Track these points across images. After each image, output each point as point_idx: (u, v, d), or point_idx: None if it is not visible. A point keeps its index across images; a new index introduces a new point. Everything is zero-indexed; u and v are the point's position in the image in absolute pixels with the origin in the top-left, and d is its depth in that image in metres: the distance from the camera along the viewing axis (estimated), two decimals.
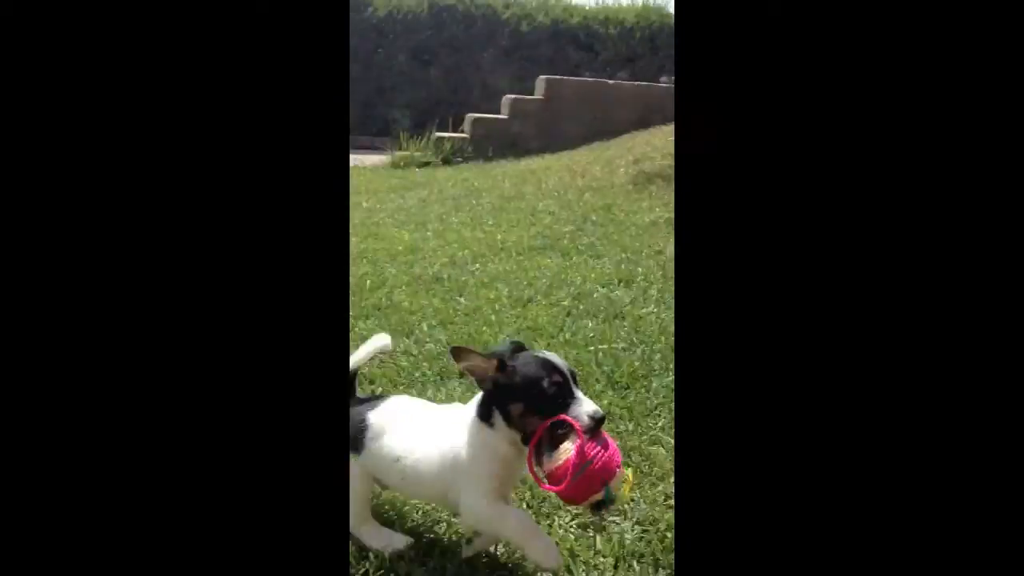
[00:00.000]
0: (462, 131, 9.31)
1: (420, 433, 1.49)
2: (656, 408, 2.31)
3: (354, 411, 1.57)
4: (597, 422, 1.29)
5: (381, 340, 1.65)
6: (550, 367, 1.34)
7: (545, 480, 1.32)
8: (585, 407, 1.30)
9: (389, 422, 1.54)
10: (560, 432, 1.29)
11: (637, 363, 2.64)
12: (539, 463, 1.31)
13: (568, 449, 1.25)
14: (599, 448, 1.25)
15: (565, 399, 1.31)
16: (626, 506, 1.70)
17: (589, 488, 1.24)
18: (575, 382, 1.35)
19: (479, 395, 1.43)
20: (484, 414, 1.39)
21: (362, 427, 1.55)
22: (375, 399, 1.66)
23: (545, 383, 1.32)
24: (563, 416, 1.29)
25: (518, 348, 1.46)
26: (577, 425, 1.27)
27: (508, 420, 1.36)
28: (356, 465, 1.54)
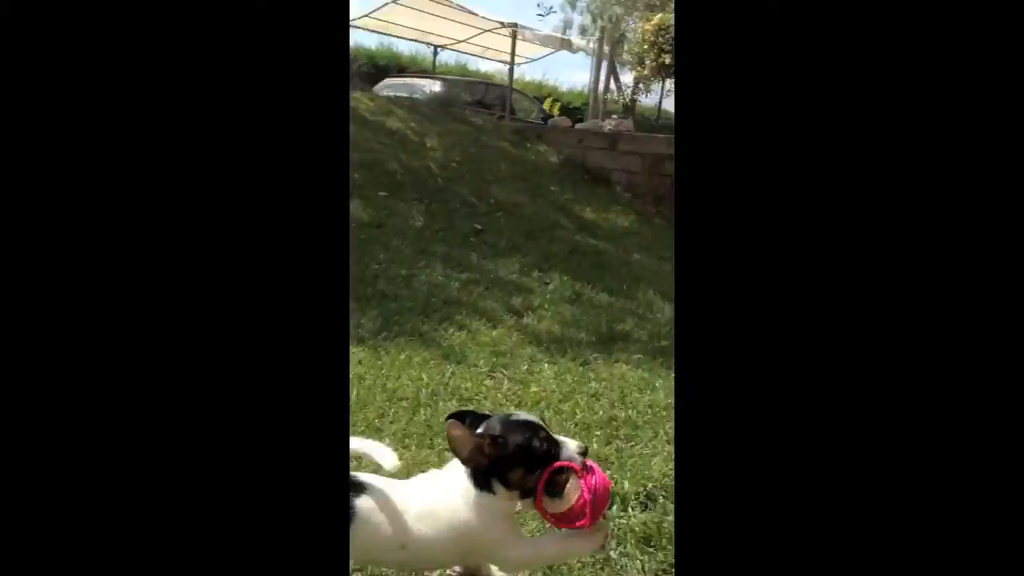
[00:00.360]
0: None
1: (418, 514, 1.40)
2: None
3: None
4: (584, 454, 1.41)
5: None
6: (534, 427, 1.40)
7: (561, 521, 1.39)
8: (571, 447, 1.40)
9: (374, 507, 1.39)
10: (559, 477, 1.37)
11: None
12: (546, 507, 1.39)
13: (574, 488, 1.35)
14: (593, 478, 1.36)
15: (552, 449, 1.39)
16: None
17: (602, 511, 1.38)
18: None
19: (455, 465, 1.42)
20: (483, 484, 1.39)
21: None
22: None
23: (536, 444, 1.38)
24: (560, 464, 1.37)
25: (474, 416, 1.46)
26: (576, 467, 1.37)
27: (507, 485, 1.39)
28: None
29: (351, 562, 1.45)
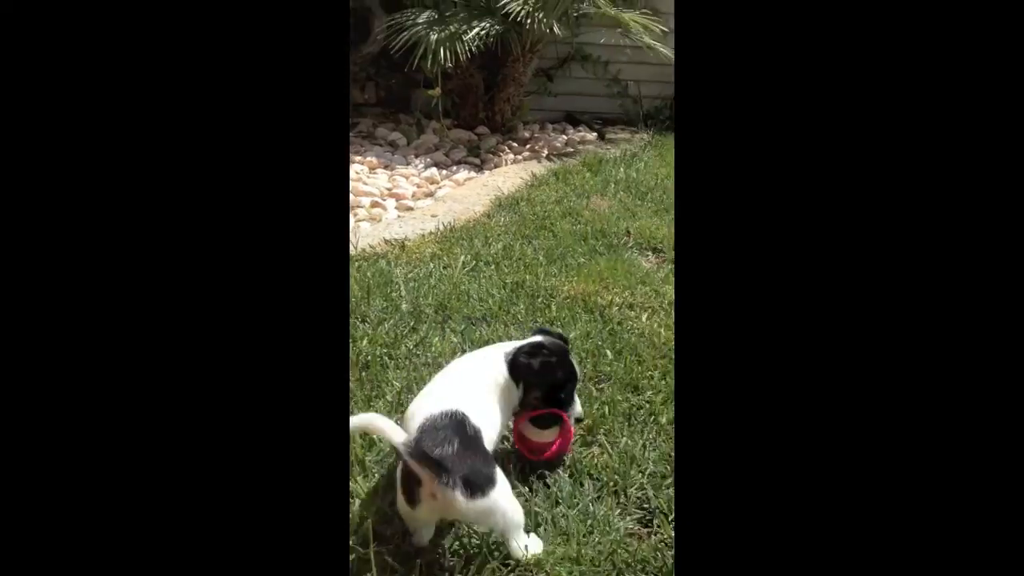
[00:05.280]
0: None
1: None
2: None
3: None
4: (579, 420, 1.75)
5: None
6: (573, 378, 1.78)
7: (525, 445, 1.76)
8: (577, 408, 1.77)
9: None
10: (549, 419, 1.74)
11: None
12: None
13: (554, 434, 1.75)
14: (563, 438, 1.76)
15: (568, 401, 1.77)
16: None
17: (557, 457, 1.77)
18: None
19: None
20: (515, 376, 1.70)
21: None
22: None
23: (563, 392, 1.77)
24: (559, 413, 1.74)
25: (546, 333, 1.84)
26: (567, 421, 1.75)
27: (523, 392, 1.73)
28: None
29: None
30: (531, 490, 1.69)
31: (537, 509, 1.63)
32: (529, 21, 4.69)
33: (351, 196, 4.16)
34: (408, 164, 4.83)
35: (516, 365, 1.66)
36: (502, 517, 1.41)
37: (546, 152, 5.24)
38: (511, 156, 5.19)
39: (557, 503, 1.65)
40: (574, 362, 1.77)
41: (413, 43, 4.76)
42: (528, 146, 5.47)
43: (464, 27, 4.82)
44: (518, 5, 4.67)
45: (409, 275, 2.93)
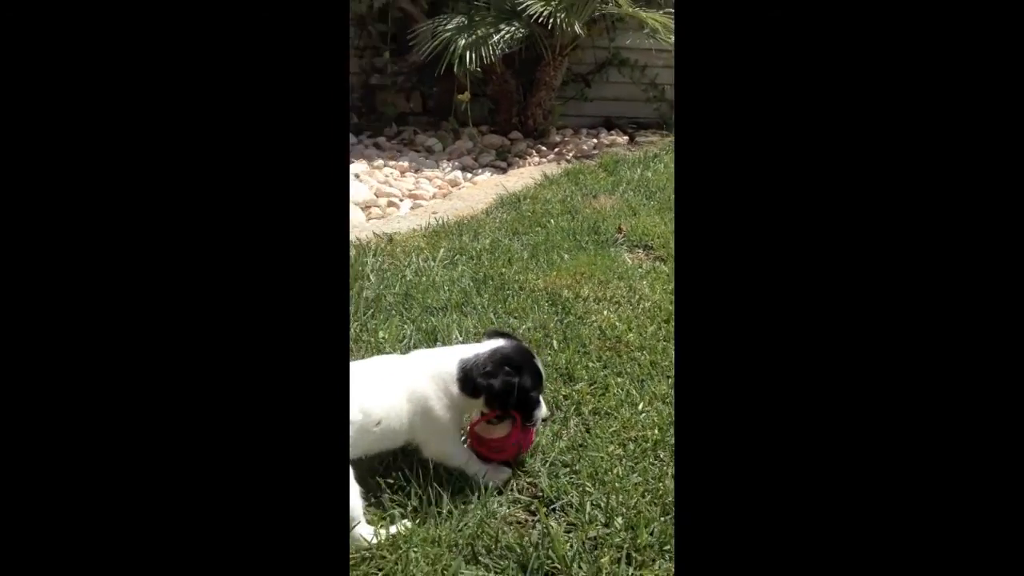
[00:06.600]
0: None
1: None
2: None
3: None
4: (544, 421, 1.71)
5: None
6: (538, 381, 1.70)
7: (482, 445, 1.70)
8: (542, 411, 1.70)
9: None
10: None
11: None
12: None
13: (507, 427, 1.67)
14: (526, 436, 1.70)
15: (533, 405, 1.67)
16: None
17: (514, 457, 1.70)
18: None
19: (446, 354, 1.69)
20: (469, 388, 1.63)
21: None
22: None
23: (531, 396, 1.67)
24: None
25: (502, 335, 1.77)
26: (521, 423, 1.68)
27: (487, 402, 1.67)
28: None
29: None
30: (413, 471, 1.63)
31: (417, 491, 1.58)
32: (552, 23, 4.68)
33: (372, 196, 4.26)
34: (438, 168, 4.90)
35: (486, 391, 1.61)
36: None
37: (572, 155, 5.18)
38: (537, 159, 5.17)
39: (436, 483, 1.59)
40: (539, 364, 1.69)
41: (442, 48, 4.85)
42: (556, 150, 5.43)
43: (490, 31, 4.87)
44: (540, 6, 4.67)
45: (384, 266, 2.94)
